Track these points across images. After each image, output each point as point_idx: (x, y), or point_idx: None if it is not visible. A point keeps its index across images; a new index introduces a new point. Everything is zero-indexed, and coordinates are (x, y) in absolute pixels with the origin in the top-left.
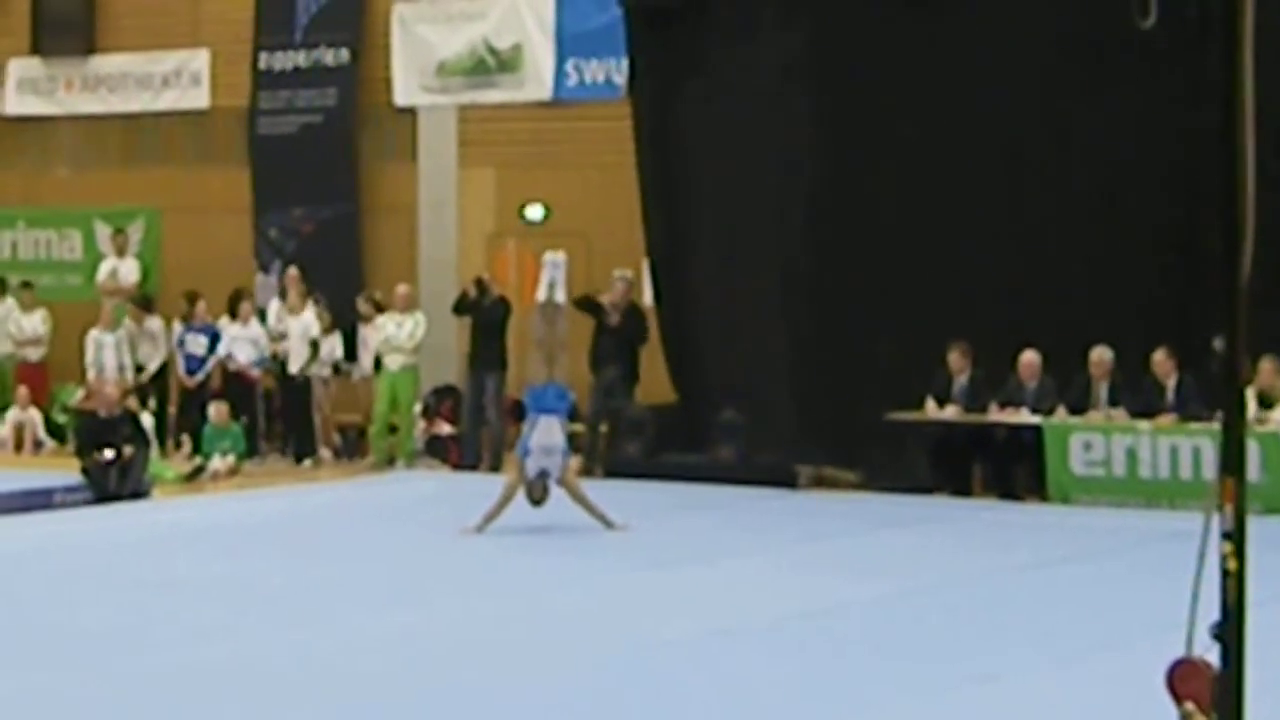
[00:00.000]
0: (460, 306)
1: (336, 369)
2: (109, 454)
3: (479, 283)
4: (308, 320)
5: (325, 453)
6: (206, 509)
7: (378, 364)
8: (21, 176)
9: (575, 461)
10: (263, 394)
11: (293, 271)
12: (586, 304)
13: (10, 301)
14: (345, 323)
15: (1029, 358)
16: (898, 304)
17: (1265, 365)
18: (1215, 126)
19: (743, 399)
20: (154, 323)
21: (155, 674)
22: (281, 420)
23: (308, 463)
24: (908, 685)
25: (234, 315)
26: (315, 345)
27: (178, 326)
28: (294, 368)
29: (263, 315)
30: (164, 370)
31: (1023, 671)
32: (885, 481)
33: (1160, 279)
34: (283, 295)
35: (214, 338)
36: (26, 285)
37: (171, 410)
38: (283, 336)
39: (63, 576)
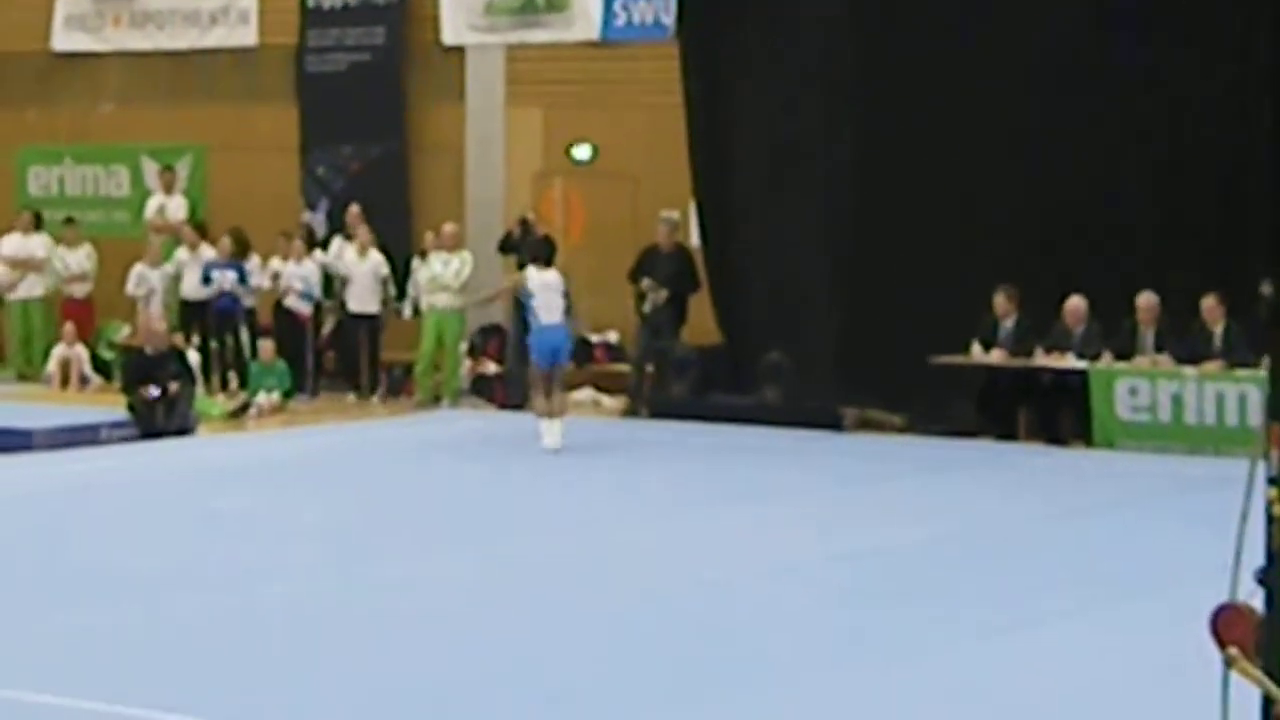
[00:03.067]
0: (506, 245)
1: (393, 309)
2: (154, 390)
3: (524, 222)
4: (377, 260)
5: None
6: (252, 446)
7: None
8: (69, 113)
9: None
10: (315, 332)
11: (355, 210)
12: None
13: (46, 238)
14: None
15: (1075, 303)
16: (944, 247)
17: None
18: (1265, 71)
19: (789, 341)
20: (208, 252)
21: (204, 612)
22: (340, 358)
23: (374, 398)
24: (952, 629)
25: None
26: (385, 283)
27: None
28: (361, 306)
29: (322, 248)
30: (205, 305)
31: (1067, 616)
32: (930, 425)
33: (1209, 225)
34: (343, 233)
35: (241, 272)
36: (70, 221)
37: (214, 346)
38: (335, 274)
39: (109, 513)
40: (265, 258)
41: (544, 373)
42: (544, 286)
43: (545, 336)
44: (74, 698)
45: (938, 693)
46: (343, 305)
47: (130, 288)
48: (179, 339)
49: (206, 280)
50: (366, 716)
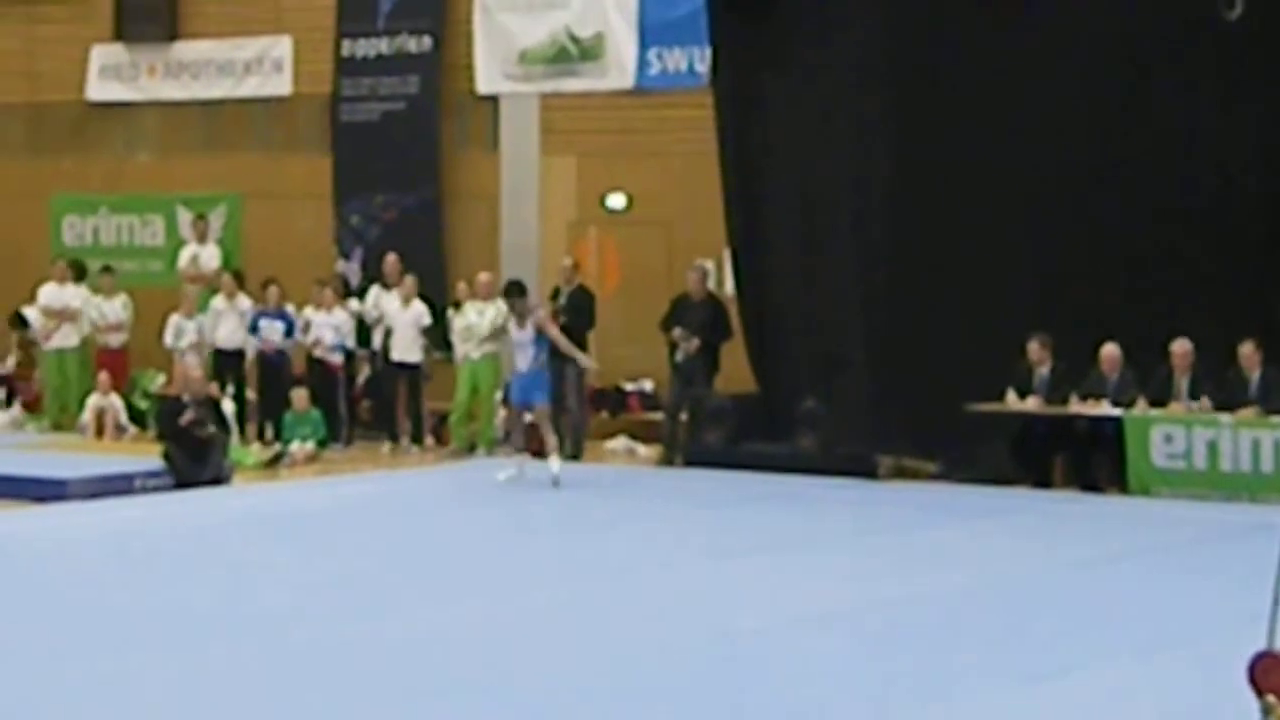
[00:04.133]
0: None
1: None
2: (191, 414)
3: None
4: (419, 309)
5: (430, 438)
6: (287, 495)
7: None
8: (104, 162)
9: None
10: (350, 381)
11: (392, 259)
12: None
13: (81, 288)
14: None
15: (1110, 350)
16: (978, 294)
17: None
18: None
19: (823, 388)
20: (244, 301)
21: (234, 660)
22: (376, 407)
23: (414, 449)
24: (983, 677)
25: (312, 301)
26: (426, 332)
27: (251, 311)
28: (403, 355)
29: (358, 297)
30: (240, 355)
31: (1103, 664)
32: (965, 473)
33: (1244, 271)
34: (379, 282)
35: (289, 324)
36: (107, 270)
37: (251, 395)
38: (378, 322)
39: (143, 561)
40: (300, 307)
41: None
42: (519, 344)
43: (519, 381)
44: None
45: None
46: (383, 355)
47: (169, 339)
48: (215, 388)
49: (254, 330)
50: None
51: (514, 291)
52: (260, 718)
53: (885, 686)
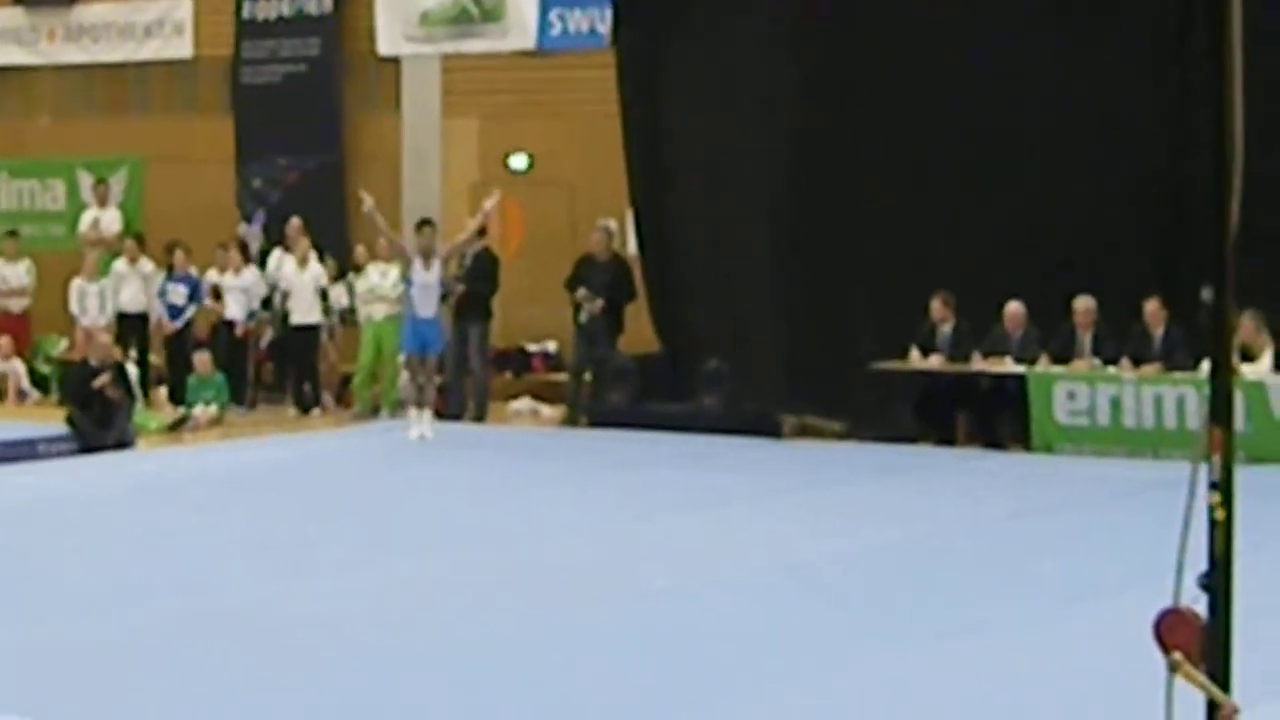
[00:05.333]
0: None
1: (343, 318)
2: (104, 379)
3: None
4: (316, 271)
5: (329, 400)
6: (190, 459)
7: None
8: (4, 126)
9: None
10: (254, 344)
11: (295, 222)
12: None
13: None
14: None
15: (1014, 308)
16: (882, 253)
17: (1247, 319)
18: (1204, 74)
19: (727, 348)
20: (146, 265)
21: (145, 626)
22: (281, 370)
23: (316, 411)
24: (893, 636)
25: (217, 264)
26: (324, 294)
27: (157, 276)
28: (302, 317)
29: (261, 263)
30: (145, 319)
31: (1009, 621)
32: (869, 431)
33: (1147, 229)
34: (281, 245)
35: (194, 287)
36: (11, 234)
37: (155, 359)
38: (275, 286)
39: (49, 528)
40: (203, 270)
41: (417, 361)
42: (423, 286)
43: (418, 328)
44: (18, 716)
45: (880, 700)
46: (284, 318)
47: (73, 304)
48: (118, 352)
49: (162, 295)
50: None
51: (423, 226)
52: (172, 683)
53: (789, 649)
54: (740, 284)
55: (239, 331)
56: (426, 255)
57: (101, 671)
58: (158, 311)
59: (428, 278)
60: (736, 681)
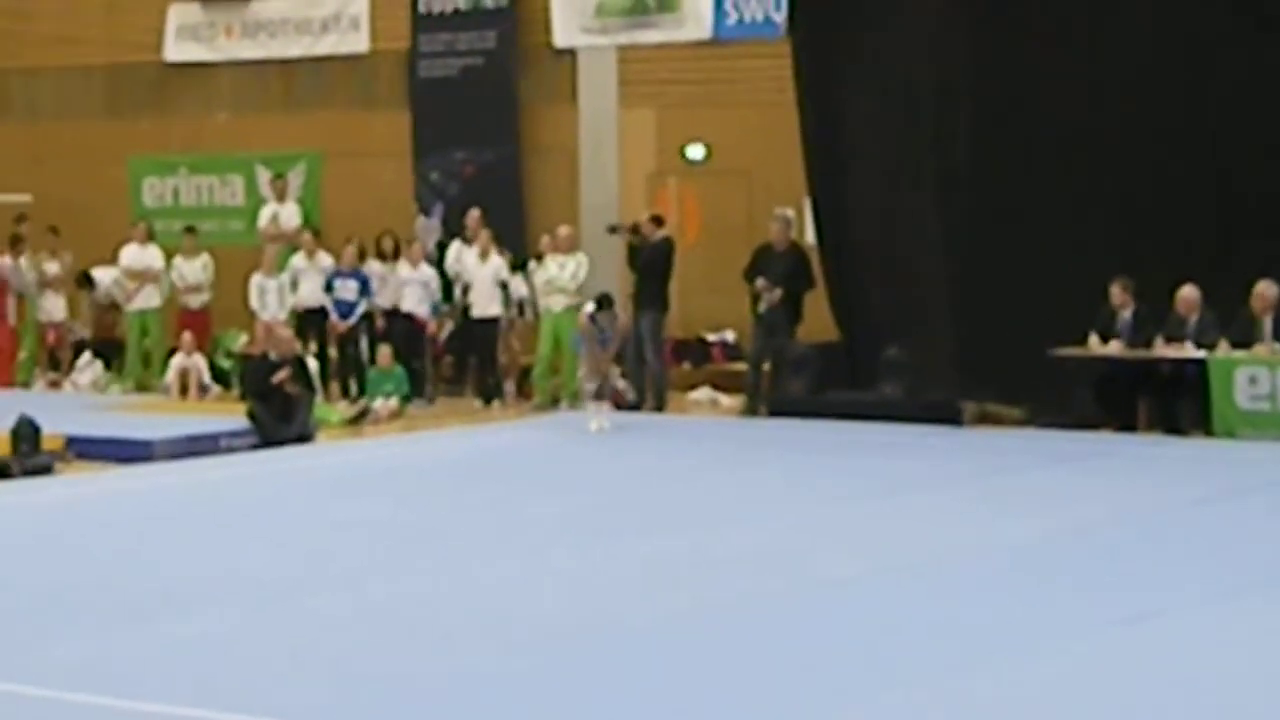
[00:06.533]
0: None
1: (521, 309)
2: (284, 373)
3: (634, 227)
4: (497, 263)
5: (510, 391)
6: (371, 452)
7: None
8: (183, 123)
9: None
10: (432, 337)
11: (475, 213)
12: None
13: (159, 248)
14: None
15: (1187, 292)
16: (1061, 240)
17: None
18: None
19: (906, 336)
20: (325, 259)
21: (330, 614)
22: (460, 362)
23: (497, 403)
24: (1074, 622)
25: (382, 257)
26: (505, 287)
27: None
28: (483, 310)
29: (439, 257)
30: (324, 313)
31: (1189, 608)
32: (1049, 417)
33: None
34: (460, 237)
35: (364, 282)
36: (189, 231)
37: (332, 354)
38: (458, 278)
39: (231, 520)
40: (386, 262)
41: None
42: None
43: None
44: (191, 706)
45: (1065, 687)
46: (464, 310)
47: (253, 299)
48: (299, 346)
49: (329, 289)
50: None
51: (604, 304)
52: (358, 672)
53: (982, 632)
54: (918, 271)
55: (429, 328)
56: (603, 330)
57: (284, 660)
58: (329, 307)
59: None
60: (924, 667)
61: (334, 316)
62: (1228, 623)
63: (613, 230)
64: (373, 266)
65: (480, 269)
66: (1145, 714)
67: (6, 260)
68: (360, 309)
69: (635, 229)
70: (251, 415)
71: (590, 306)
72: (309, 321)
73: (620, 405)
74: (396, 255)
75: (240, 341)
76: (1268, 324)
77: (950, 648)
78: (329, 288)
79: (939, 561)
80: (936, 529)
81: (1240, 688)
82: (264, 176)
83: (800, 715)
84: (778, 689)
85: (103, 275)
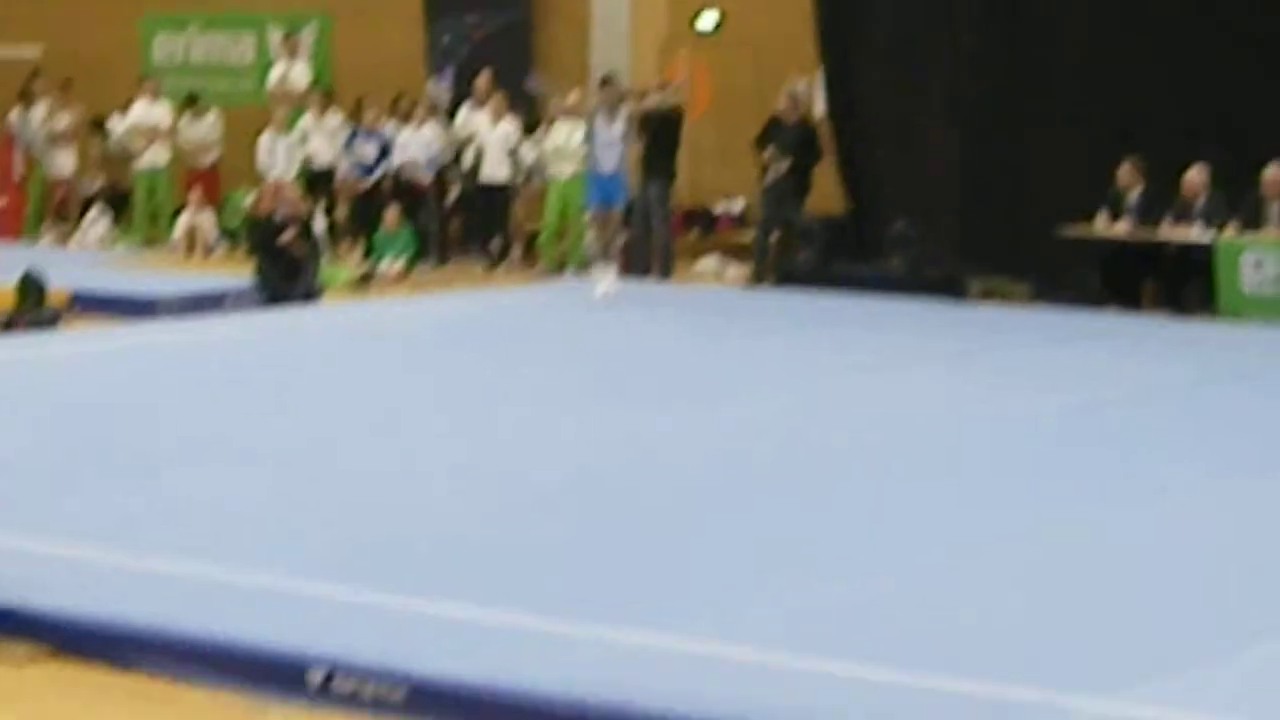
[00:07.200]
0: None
1: (529, 175)
2: (290, 233)
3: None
4: (508, 129)
5: (516, 256)
6: (376, 312)
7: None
8: None
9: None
10: (436, 198)
11: (485, 76)
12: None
13: (167, 106)
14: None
15: (1193, 174)
16: (1070, 116)
17: None
18: None
19: (914, 210)
20: (334, 119)
21: (328, 477)
22: (467, 225)
23: (502, 267)
24: (1075, 498)
25: (404, 118)
26: (514, 152)
27: (344, 131)
28: (492, 174)
29: (448, 119)
30: (331, 174)
31: (1191, 486)
32: (1055, 295)
33: None
34: (470, 101)
35: (384, 144)
36: (191, 99)
37: (341, 214)
38: (468, 141)
39: (235, 378)
40: (398, 124)
41: (601, 217)
42: (606, 143)
43: (601, 183)
44: (197, 560)
45: (1057, 563)
46: (472, 173)
47: (262, 157)
48: (305, 206)
49: (349, 148)
50: (475, 574)
51: (606, 82)
52: (353, 536)
53: (971, 510)
54: (928, 146)
55: (422, 182)
56: (610, 111)
57: (275, 522)
58: (345, 166)
59: (611, 134)
60: (917, 541)
61: (353, 176)
62: (1228, 503)
63: (531, 90)
64: (388, 128)
65: (491, 132)
66: (1147, 588)
67: (15, 114)
68: (379, 170)
69: (643, 95)
70: (259, 272)
71: None
72: (317, 181)
73: (626, 270)
74: (412, 117)
75: (249, 200)
76: (1276, 208)
77: (951, 525)
78: (349, 147)
79: (943, 435)
80: (940, 403)
81: (1234, 569)
82: (275, 36)
83: (806, 580)
84: (785, 552)
85: (115, 124)
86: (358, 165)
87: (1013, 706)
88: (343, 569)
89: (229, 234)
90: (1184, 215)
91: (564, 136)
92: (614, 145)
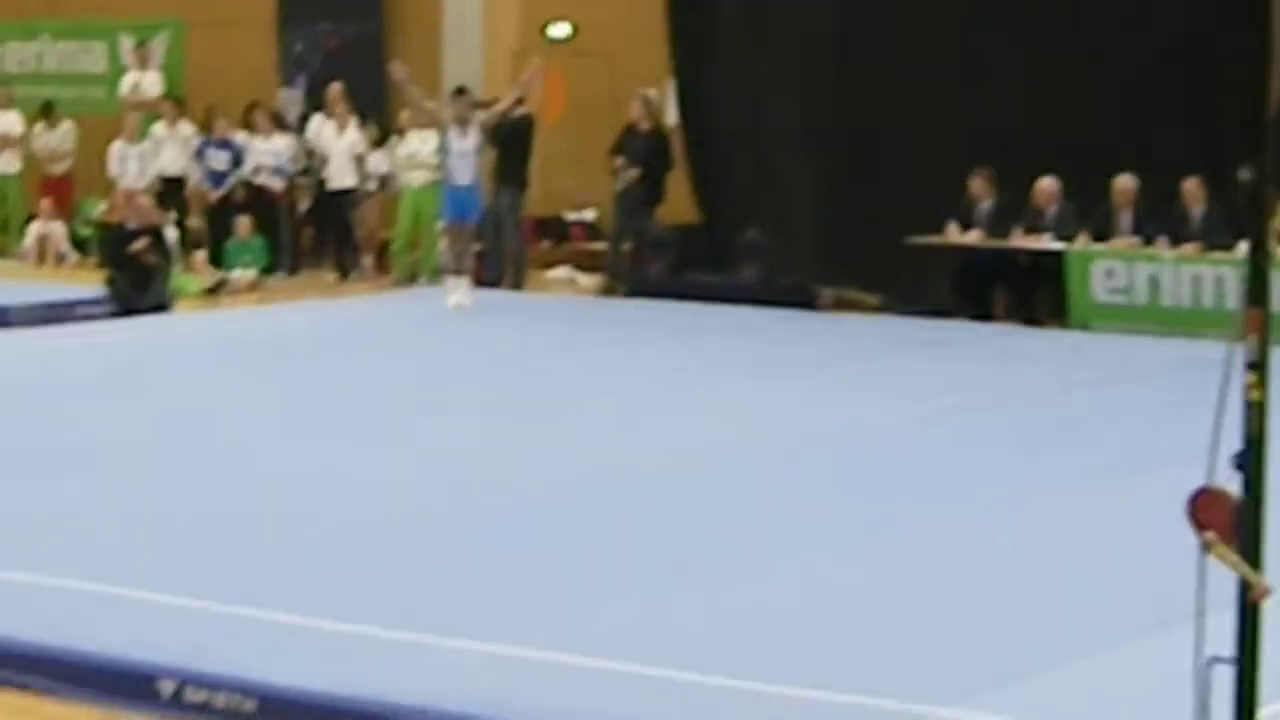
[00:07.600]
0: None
1: (382, 184)
2: (142, 243)
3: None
4: (354, 137)
5: (368, 265)
6: (226, 322)
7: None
8: None
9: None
10: (287, 208)
11: (336, 87)
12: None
13: (8, 114)
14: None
15: (1045, 183)
16: (922, 126)
17: None
18: None
19: (766, 220)
20: (185, 127)
21: (176, 488)
22: (318, 235)
23: (352, 276)
24: (930, 505)
25: (251, 128)
26: (360, 160)
27: (196, 140)
28: (339, 182)
29: (299, 129)
30: (182, 183)
31: (1042, 494)
32: (906, 305)
33: (1190, 108)
34: (322, 110)
35: (236, 153)
36: (48, 106)
37: (193, 224)
38: (312, 152)
39: (84, 389)
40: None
41: (455, 229)
42: (460, 154)
43: (456, 196)
44: (47, 573)
45: (910, 570)
46: (321, 183)
47: (114, 167)
48: (157, 215)
49: (199, 158)
50: (329, 586)
51: (460, 94)
52: (197, 546)
53: (826, 517)
54: (779, 156)
55: (275, 190)
56: (464, 122)
57: (125, 532)
58: (196, 176)
59: (465, 145)
60: (779, 551)
61: (205, 185)
62: (1080, 512)
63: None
64: (239, 138)
65: (337, 142)
66: (998, 595)
67: None
68: (231, 180)
69: (490, 105)
70: (110, 283)
71: None
72: (169, 190)
73: (479, 281)
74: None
75: (100, 209)
76: (1126, 218)
77: (805, 527)
78: (201, 156)
79: (796, 444)
80: (789, 412)
81: (1088, 577)
82: (127, 44)
83: (653, 592)
84: (638, 567)
85: None
86: (209, 174)
87: (867, 712)
88: (192, 580)
89: (80, 243)
90: (1035, 225)
91: (418, 144)
92: (468, 157)
